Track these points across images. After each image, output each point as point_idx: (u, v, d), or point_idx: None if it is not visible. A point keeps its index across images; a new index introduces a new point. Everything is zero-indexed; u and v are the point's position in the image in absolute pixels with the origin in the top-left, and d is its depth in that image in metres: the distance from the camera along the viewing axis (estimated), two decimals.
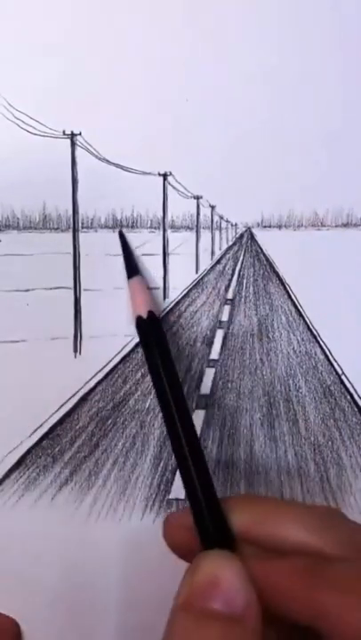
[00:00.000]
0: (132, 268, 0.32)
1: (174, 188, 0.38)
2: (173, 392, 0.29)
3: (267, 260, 0.44)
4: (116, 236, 0.39)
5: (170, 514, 0.30)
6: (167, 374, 0.30)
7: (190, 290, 0.42)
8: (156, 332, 0.31)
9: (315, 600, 0.23)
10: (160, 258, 0.40)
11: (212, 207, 0.39)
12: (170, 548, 0.29)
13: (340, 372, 0.38)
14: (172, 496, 0.37)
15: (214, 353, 0.40)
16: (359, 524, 0.28)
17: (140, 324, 0.31)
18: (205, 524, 0.27)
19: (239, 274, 0.43)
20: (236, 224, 0.40)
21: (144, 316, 0.31)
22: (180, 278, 0.41)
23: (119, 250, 0.40)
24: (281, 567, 0.25)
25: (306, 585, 0.23)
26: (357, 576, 0.23)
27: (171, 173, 0.38)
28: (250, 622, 0.24)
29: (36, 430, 0.38)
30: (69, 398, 0.38)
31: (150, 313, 0.31)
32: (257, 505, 0.28)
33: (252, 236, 0.43)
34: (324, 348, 0.39)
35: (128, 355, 0.39)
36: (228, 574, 0.24)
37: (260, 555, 0.26)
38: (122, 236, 0.33)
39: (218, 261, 0.44)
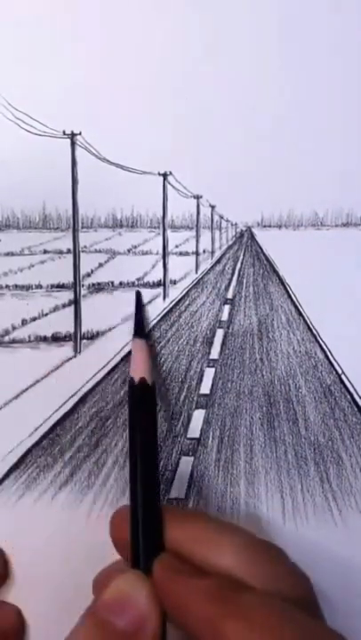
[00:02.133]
0: (140, 328, 0.33)
1: (174, 187, 0.38)
2: (146, 456, 0.31)
3: (267, 259, 0.44)
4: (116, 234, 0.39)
5: (117, 511, 0.31)
6: (144, 441, 0.31)
7: (190, 289, 0.42)
8: (145, 399, 0.32)
9: (217, 626, 0.24)
10: (160, 258, 0.40)
11: (212, 207, 0.39)
12: (114, 544, 0.31)
13: (340, 372, 0.38)
14: (172, 496, 0.37)
15: (214, 353, 0.40)
16: (294, 567, 0.29)
17: (133, 386, 0.32)
18: (137, 534, 0.30)
19: (239, 273, 0.43)
20: (236, 224, 0.40)
21: (136, 380, 0.32)
22: (180, 278, 0.41)
23: (120, 249, 0.40)
24: (195, 587, 0.26)
25: (213, 610, 0.25)
26: (264, 608, 0.25)
27: (171, 173, 0.38)
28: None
29: (36, 430, 0.38)
30: (69, 398, 0.38)
31: (142, 379, 0.31)
32: (197, 524, 0.30)
33: (252, 236, 0.43)
34: (324, 347, 0.39)
35: (128, 355, 0.39)
36: (138, 595, 0.27)
37: (181, 569, 0.28)
38: (138, 296, 0.36)
39: (218, 261, 0.44)
